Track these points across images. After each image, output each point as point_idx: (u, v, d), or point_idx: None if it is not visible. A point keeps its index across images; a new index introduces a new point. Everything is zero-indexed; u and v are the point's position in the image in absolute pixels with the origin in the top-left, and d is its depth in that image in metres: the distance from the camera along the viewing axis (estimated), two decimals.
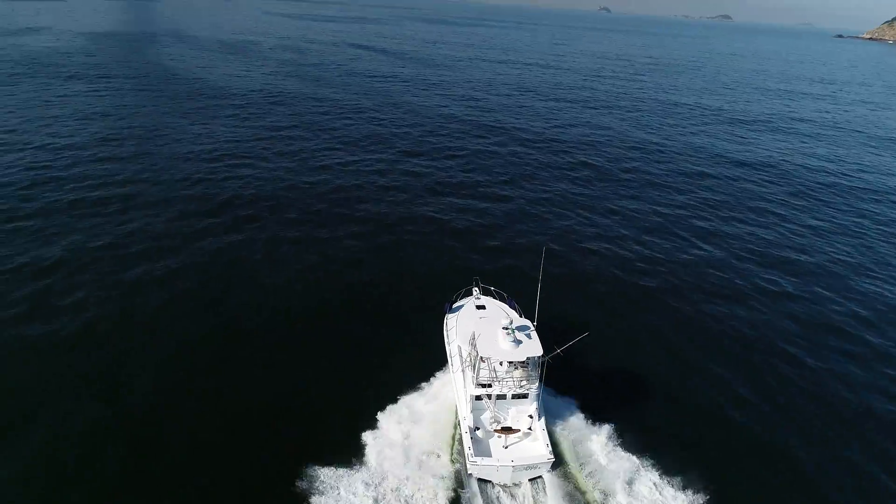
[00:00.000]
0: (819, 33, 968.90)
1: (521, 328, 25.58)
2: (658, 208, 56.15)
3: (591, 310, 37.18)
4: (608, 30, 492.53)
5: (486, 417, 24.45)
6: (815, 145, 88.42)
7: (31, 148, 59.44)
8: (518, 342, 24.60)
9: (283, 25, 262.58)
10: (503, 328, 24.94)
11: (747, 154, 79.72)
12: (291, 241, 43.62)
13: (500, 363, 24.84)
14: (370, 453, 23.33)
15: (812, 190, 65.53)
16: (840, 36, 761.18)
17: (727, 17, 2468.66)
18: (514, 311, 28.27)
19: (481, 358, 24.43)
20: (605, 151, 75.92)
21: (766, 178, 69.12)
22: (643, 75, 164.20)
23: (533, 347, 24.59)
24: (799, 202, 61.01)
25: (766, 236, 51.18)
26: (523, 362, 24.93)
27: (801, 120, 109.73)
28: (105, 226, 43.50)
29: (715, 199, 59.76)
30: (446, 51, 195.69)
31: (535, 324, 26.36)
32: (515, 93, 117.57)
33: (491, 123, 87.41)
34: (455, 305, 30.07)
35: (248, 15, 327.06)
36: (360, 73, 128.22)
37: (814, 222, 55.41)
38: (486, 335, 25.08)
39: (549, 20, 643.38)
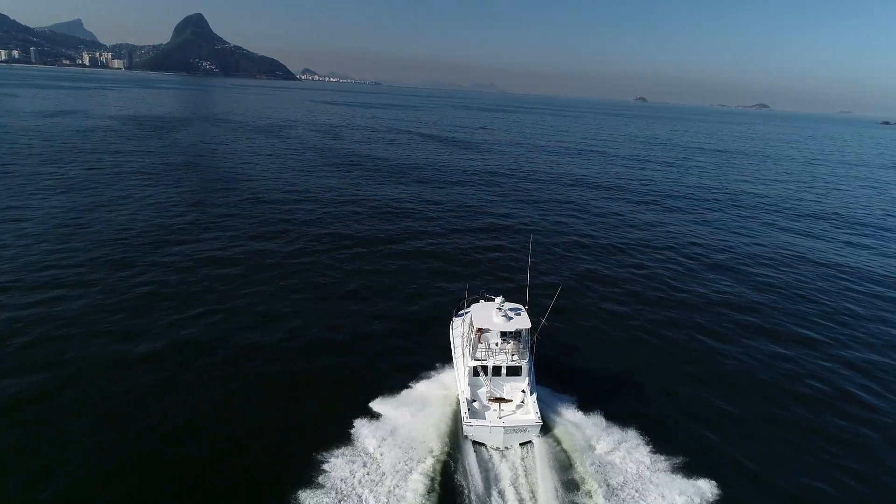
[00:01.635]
0: (863, 121, 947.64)
1: (513, 309, 28.75)
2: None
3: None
4: (651, 118, 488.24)
5: (482, 392, 26.53)
6: None
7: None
8: (509, 317, 27.80)
9: (330, 111, 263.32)
10: (497, 308, 28.26)
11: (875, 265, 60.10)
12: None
13: (496, 343, 27.41)
14: (383, 423, 25.47)
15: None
16: (887, 123, 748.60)
17: (764, 105, 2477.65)
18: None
19: (478, 330, 27.56)
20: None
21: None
22: (698, 161, 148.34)
23: (522, 321, 27.70)
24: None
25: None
26: (515, 335, 27.69)
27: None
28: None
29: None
30: (489, 136, 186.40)
31: (526, 307, 29.25)
32: (569, 181, 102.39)
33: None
34: (461, 312, 33.79)
35: (297, 101, 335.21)
36: (409, 162, 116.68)
37: None
38: (482, 313, 28.40)
39: (588, 109, 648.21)
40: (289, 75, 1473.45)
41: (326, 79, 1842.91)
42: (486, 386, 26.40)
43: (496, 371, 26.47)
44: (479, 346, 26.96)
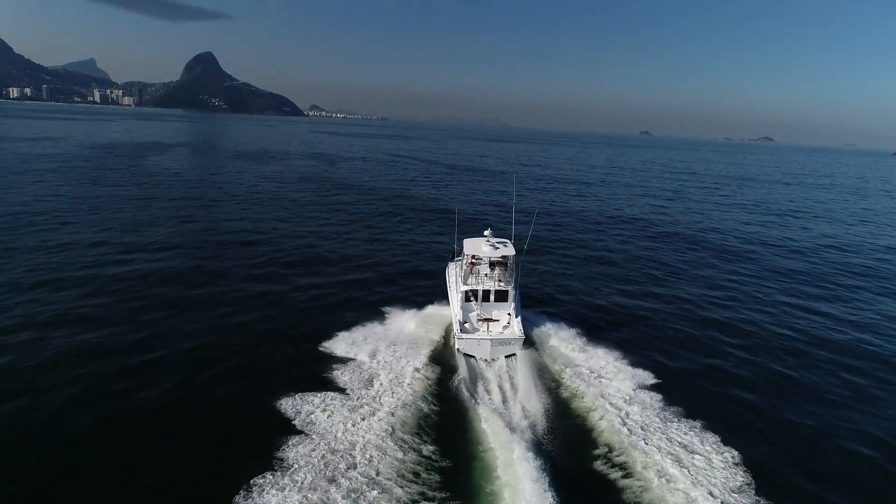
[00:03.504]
0: (874, 153, 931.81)
1: (500, 241, 32.73)
2: None
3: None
4: (674, 148, 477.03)
5: (473, 315, 29.74)
6: None
7: None
8: (496, 247, 31.73)
9: (331, 142, 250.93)
10: (486, 240, 32.25)
11: None
12: None
13: (486, 274, 30.86)
14: (392, 323, 30.74)
15: None
16: None
17: (769, 138, 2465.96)
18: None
19: (472, 256, 31.51)
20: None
21: None
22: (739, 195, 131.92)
23: (508, 250, 31.67)
24: None
25: None
26: (502, 264, 31.44)
27: None
28: None
29: None
30: (503, 166, 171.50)
31: (512, 241, 33.22)
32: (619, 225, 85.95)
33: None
34: (456, 259, 36.44)
35: (298, 132, 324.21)
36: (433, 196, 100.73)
37: None
38: (473, 244, 32.55)
39: (598, 141, 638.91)
40: (296, 111, 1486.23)
41: (334, 114, 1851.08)
42: (476, 310, 29.70)
43: (486, 296, 29.75)
44: (471, 275, 30.59)
